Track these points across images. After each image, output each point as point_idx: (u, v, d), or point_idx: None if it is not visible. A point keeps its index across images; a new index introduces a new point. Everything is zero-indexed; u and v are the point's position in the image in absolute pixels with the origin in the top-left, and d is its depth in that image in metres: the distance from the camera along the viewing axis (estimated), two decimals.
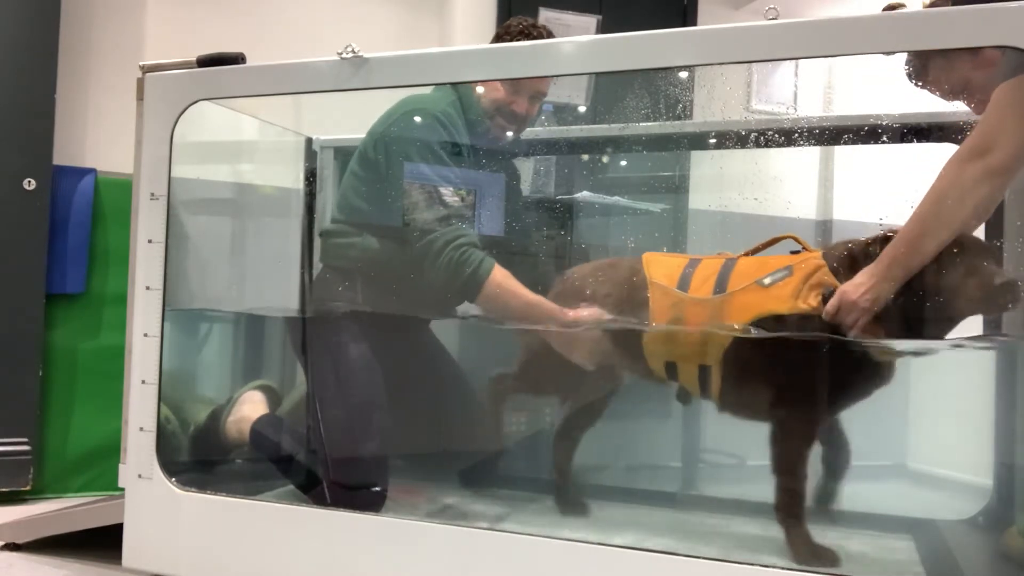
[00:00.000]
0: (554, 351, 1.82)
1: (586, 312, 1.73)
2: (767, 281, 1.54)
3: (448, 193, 1.84)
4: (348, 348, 1.88)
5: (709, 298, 1.58)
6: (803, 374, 1.58)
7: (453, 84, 1.92)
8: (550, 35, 1.98)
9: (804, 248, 1.61)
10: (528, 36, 1.95)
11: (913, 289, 1.42)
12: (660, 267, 1.68)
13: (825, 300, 1.47)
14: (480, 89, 1.94)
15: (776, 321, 1.51)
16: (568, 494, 1.86)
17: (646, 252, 1.72)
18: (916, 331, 1.46)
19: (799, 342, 1.52)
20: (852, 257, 1.51)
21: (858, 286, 1.44)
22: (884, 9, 1.33)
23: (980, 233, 1.62)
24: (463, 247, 1.77)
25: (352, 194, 1.97)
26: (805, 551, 1.50)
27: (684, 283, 1.62)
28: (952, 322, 1.46)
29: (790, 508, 1.54)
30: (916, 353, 1.55)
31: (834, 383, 1.58)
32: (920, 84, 1.56)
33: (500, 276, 1.76)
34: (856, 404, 1.60)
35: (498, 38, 2.02)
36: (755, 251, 1.67)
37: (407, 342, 2.04)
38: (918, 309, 1.43)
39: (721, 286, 1.58)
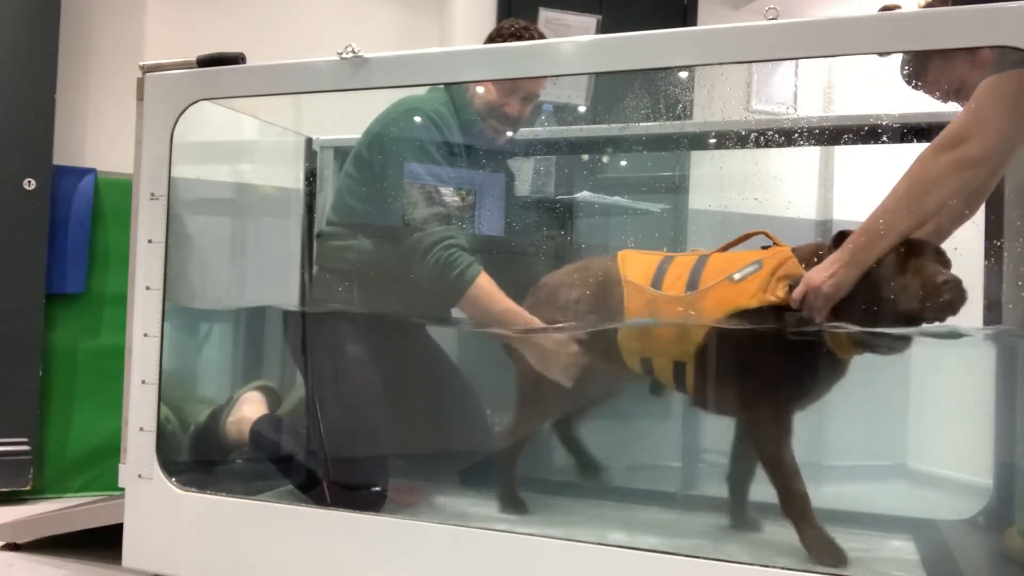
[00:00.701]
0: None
1: (559, 339, 1.75)
2: (737, 277, 1.55)
3: (440, 193, 1.84)
4: (345, 350, 1.88)
5: (682, 295, 1.59)
6: (775, 367, 1.59)
7: (446, 85, 1.92)
8: (542, 37, 1.98)
9: (775, 243, 1.62)
10: (520, 38, 1.95)
11: (870, 286, 1.42)
12: (634, 265, 1.69)
13: (791, 290, 1.48)
14: (474, 90, 1.94)
15: (748, 315, 1.52)
16: (515, 493, 1.85)
17: (621, 250, 1.73)
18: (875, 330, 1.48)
19: (770, 336, 1.53)
20: (821, 252, 1.52)
21: (821, 271, 1.45)
22: (880, 10, 1.33)
23: (980, 233, 1.63)
24: (451, 248, 1.78)
25: (347, 195, 1.97)
26: (817, 546, 1.50)
27: (658, 281, 1.64)
28: (908, 323, 1.45)
29: (795, 502, 1.53)
30: (881, 349, 1.55)
31: (804, 375, 1.59)
32: (917, 86, 1.56)
33: (485, 283, 1.77)
34: (823, 396, 1.61)
35: (491, 40, 2.02)
36: (727, 247, 1.69)
37: (404, 343, 2.04)
38: (876, 307, 1.43)
39: (693, 283, 1.60)
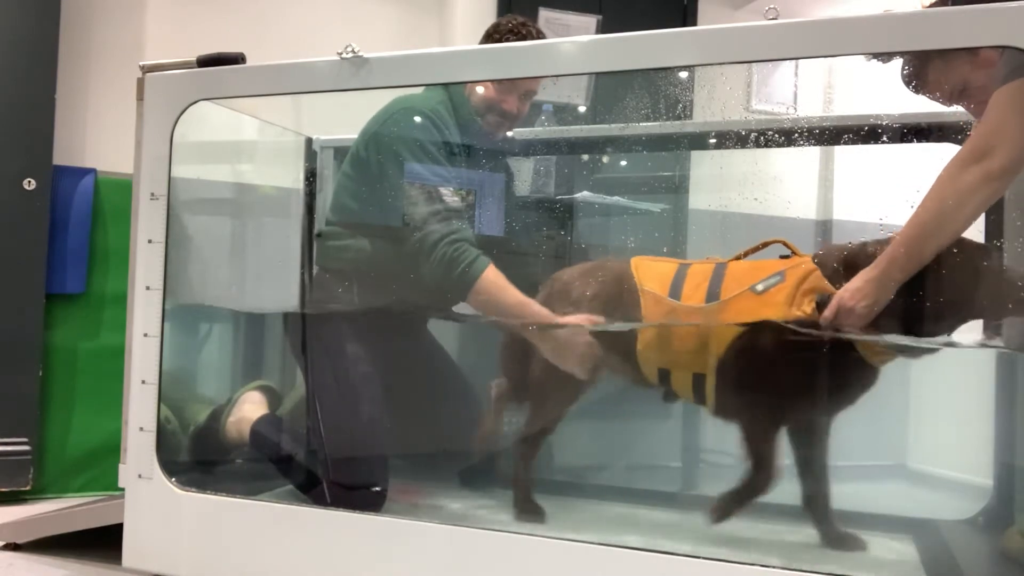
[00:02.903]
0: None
1: (576, 317, 1.72)
2: (760, 288, 1.53)
3: (439, 192, 1.84)
4: (345, 350, 1.88)
5: (703, 306, 1.57)
6: (799, 379, 1.58)
7: (444, 84, 1.92)
8: (540, 34, 1.99)
9: (794, 252, 1.60)
10: (518, 35, 1.95)
11: (911, 292, 1.42)
12: (650, 273, 1.67)
13: (819, 306, 1.46)
14: (475, 88, 1.94)
15: (770, 327, 1.51)
16: (529, 498, 1.83)
17: (634, 256, 1.72)
18: (916, 334, 1.46)
19: (794, 347, 1.52)
20: (844, 262, 1.50)
21: (855, 292, 1.43)
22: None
23: (980, 233, 1.63)
24: (457, 243, 1.77)
25: (345, 196, 1.97)
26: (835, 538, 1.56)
27: (676, 290, 1.61)
28: (958, 324, 1.46)
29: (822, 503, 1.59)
30: (911, 354, 1.55)
31: (830, 387, 1.58)
32: (918, 89, 1.55)
33: (493, 275, 1.76)
34: (848, 408, 1.60)
35: (488, 37, 2.02)
36: (744, 255, 1.67)
37: (404, 343, 2.04)
38: (917, 312, 1.43)
39: (713, 293, 1.57)
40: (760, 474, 1.58)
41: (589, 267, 1.82)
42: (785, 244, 1.61)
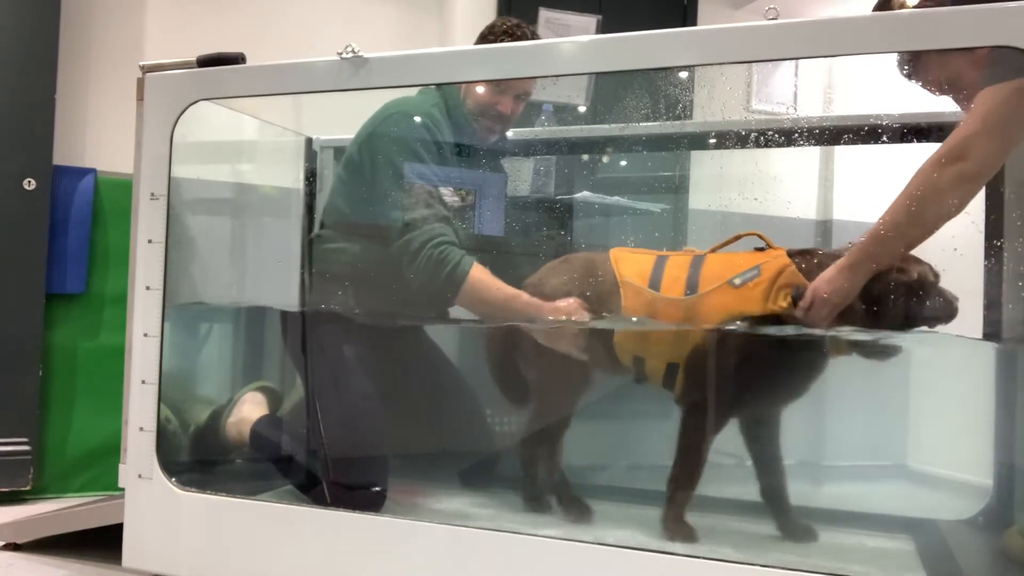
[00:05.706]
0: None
1: (565, 303, 1.73)
2: (737, 281, 1.56)
3: (432, 195, 1.84)
4: (343, 351, 1.88)
5: (682, 298, 1.60)
6: (770, 371, 1.62)
7: (437, 86, 1.92)
8: (534, 35, 1.99)
9: (768, 245, 1.62)
10: (512, 37, 1.95)
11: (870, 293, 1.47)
12: (630, 264, 1.69)
13: (794, 300, 1.50)
14: (474, 90, 1.94)
15: (746, 321, 1.54)
16: (572, 496, 1.84)
17: (613, 248, 1.73)
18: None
19: (766, 340, 1.55)
20: (818, 261, 1.54)
21: (828, 281, 1.47)
22: (875, 8, 1.33)
23: (980, 233, 1.63)
24: (441, 245, 1.78)
25: (339, 199, 1.97)
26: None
27: (655, 281, 1.64)
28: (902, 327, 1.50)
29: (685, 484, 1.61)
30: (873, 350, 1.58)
31: (798, 377, 1.62)
32: (912, 79, 1.56)
33: (479, 273, 1.77)
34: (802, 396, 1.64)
35: (483, 39, 2.02)
36: (719, 247, 1.69)
37: (400, 344, 2.04)
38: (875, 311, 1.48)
39: (692, 286, 1.60)
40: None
41: (559, 263, 1.82)
42: (760, 237, 1.64)
